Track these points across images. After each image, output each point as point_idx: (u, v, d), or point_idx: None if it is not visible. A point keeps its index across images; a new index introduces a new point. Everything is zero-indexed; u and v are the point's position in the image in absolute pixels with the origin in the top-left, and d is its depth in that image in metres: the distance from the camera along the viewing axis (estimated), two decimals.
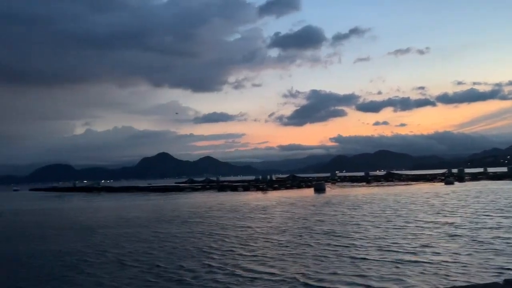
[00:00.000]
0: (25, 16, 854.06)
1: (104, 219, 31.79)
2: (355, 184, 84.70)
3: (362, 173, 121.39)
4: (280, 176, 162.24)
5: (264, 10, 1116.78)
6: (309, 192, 61.58)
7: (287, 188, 75.46)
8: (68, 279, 13.29)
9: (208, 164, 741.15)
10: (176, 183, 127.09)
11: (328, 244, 16.95)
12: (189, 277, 12.70)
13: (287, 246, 17.01)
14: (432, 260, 13.39)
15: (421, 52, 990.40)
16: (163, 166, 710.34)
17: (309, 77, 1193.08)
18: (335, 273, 12.33)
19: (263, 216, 29.50)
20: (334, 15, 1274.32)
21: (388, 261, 13.51)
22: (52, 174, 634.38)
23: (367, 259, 14.00)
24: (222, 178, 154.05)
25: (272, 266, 13.60)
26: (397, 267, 12.68)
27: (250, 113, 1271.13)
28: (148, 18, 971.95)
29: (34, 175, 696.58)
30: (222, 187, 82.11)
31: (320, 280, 11.74)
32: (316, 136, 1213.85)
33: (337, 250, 15.69)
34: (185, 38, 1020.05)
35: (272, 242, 18.30)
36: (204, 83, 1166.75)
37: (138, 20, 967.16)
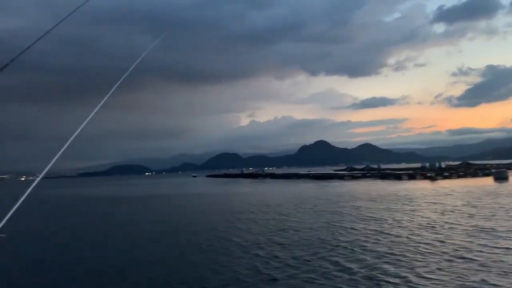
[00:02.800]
0: (195, 21, 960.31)
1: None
2: None
3: None
4: (450, 163, 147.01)
5: None
6: (487, 181, 54.20)
7: (459, 176, 67.82)
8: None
9: (367, 151, 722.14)
10: (335, 170, 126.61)
11: None
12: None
13: None
14: None
15: None
16: (321, 153, 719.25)
17: (483, 52, 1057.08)
18: None
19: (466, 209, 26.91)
20: None
21: None
22: (223, 162, 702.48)
23: None
24: (383, 166, 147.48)
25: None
26: None
27: (413, 96, 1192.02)
28: (303, 9, 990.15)
29: (208, 163, 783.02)
30: (384, 175, 78.49)
31: None
32: (494, 117, 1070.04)
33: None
34: (340, 24, 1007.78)
35: None
36: (361, 67, 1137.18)
37: (293, 12, 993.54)
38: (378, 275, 11.39)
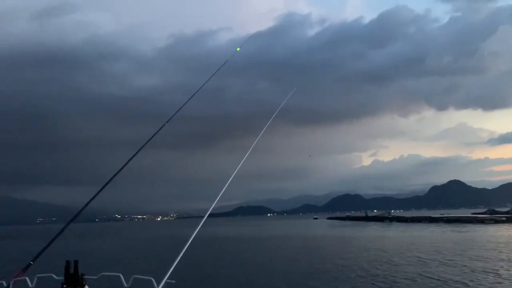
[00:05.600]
0: (313, 64, 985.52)
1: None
2: None
3: None
4: None
5: None
6: None
7: None
8: None
9: (511, 191, 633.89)
10: (472, 213, 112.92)
11: None
12: None
13: None
14: None
15: None
16: (455, 194, 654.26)
17: None
18: None
19: None
20: None
21: None
22: (344, 203, 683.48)
23: None
24: None
25: None
26: None
27: None
28: (425, 43, 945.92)
29: (329, 204, 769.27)
30: None
31: None
32: None
33: None
34: (468, 54, 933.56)
35: None
36: (497, 99, 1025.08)
37: (415, 46, 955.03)
38: None
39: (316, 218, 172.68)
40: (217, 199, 3.89)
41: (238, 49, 6.66)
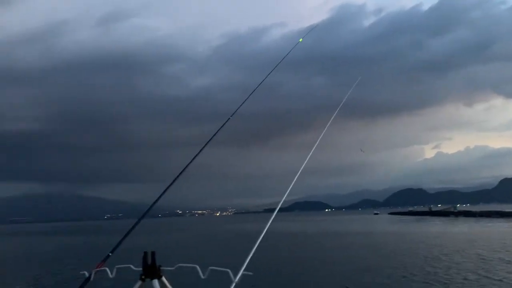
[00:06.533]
0: (370, 55, 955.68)
1: None
2: None
3: None
4: None
5: None
6: None
7: None
8: None
9: None
10: None
11: None
12: None
13: None
14: None
15: None
16: None
17: None
18: None
19: None
20: None
21: None
22: (406, 198, 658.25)
23: None
24: None
25: None
26: None
27: None
28: (491, 27, 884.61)
29: (390, 199, 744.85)
30: None
31: None
32: None
33: None
34: None
35: None
36: None
37: (480, 32, 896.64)
38: None
39: (377, 214, 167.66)
40: (285, 194, 3.94)
41: (300, 40, 6.46)
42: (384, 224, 79.87)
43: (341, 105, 5.52)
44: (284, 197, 3.88)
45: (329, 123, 4.98)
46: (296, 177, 4.00)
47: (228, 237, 55.07)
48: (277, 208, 3.80)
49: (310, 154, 4.32)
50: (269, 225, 3.54)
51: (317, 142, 4.53)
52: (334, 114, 5.23)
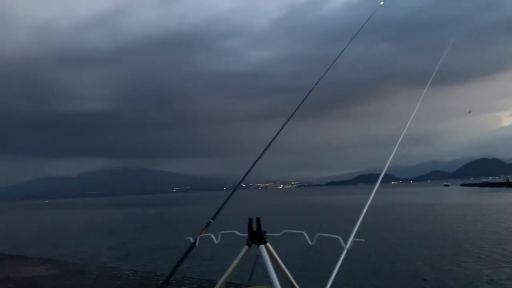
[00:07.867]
0: (441, 18, 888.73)
1: None
2: None
3: None
4: None
5: None
6: None
7: None
8: None
9: None
10: None
11: None
12: None
13: None
14: None
15: None
16: None
17: None
18: None
19: None
20: None
21: None
22: (480, 169, 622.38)
23: None
24: None
25: None
26: None
27: None
28: None
29: (461, 170, 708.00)
30: None
31: None
32: None
33: None
34: None
35: None
36: None
37: None
38: None
39: (447, 185, 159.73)
40: (386, 165, 3.48)
41: (381, 3, 5.74)
42: (455, 196, 76.60)
43: (435, 72, 4.69)
44: (385, 168, 3.43)
45: (424, 93, 4.34)
46: (395, 147, 3.49)
47: (306, 208, 54.19)
48: (379, 180, 3.38)
49: (408, 125, 3.75)
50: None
51: (414, 113, 3.94)
52: (428, 83, 4.53)
